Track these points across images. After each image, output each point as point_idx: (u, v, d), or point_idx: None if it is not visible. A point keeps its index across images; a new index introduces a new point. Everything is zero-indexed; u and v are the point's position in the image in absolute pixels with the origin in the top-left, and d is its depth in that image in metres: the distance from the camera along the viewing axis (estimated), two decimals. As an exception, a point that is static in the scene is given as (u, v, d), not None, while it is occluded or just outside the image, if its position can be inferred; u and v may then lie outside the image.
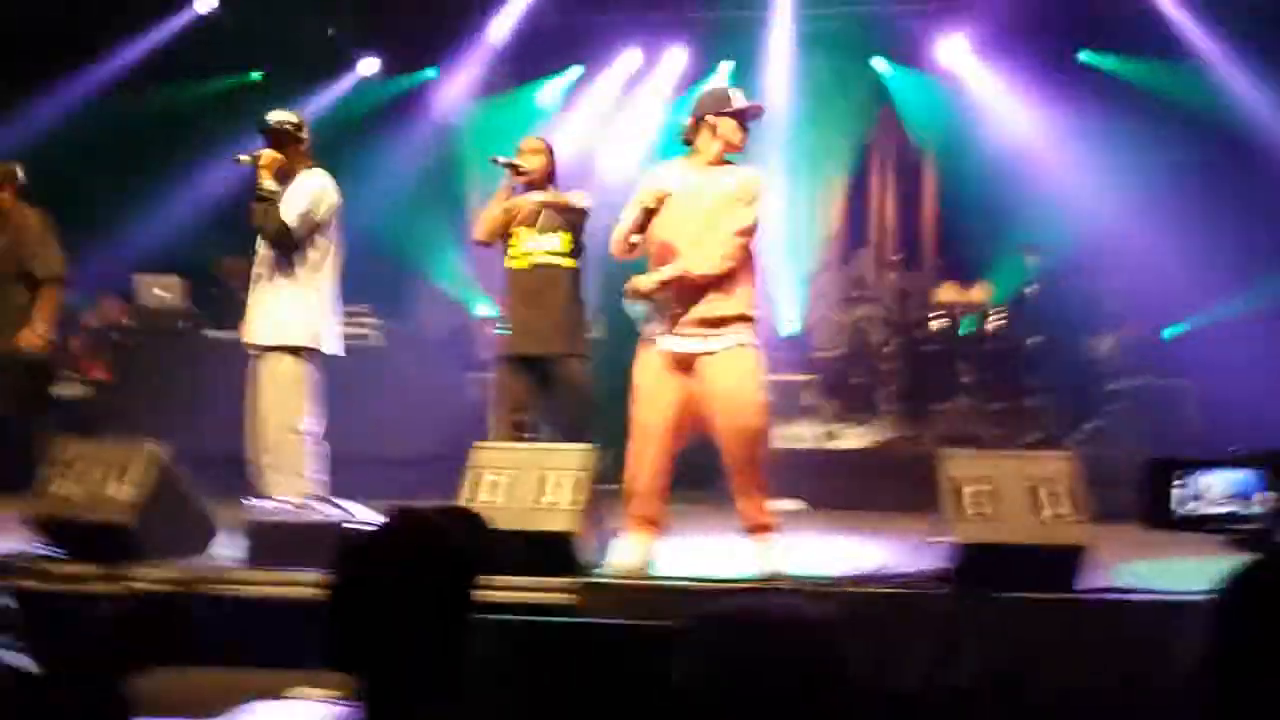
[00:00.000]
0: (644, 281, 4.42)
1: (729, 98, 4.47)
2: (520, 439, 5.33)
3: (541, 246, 5.33)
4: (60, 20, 8.70)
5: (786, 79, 9.49)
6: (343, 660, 1.79)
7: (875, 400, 8.17)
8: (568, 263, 5.36)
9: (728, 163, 4.51)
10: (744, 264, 4.44)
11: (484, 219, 5.43)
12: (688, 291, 4.38)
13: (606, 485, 4.72)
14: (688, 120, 4.50)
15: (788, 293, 9.41)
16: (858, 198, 9.86)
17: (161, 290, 8.04)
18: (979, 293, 8.27)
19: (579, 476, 4.46)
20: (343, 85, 9.85)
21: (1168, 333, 8.20)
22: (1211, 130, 8.24)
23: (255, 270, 5.27)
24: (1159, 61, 8.61)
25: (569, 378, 5.39)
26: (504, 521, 4.34)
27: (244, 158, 5.21)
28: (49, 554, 4.53)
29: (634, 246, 4.48)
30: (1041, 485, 4.12)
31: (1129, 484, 6.76)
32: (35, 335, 5.99)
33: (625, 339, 4.83)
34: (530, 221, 5.36)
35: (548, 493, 4.44)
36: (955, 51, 9.34)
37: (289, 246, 5.11)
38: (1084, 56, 9.08)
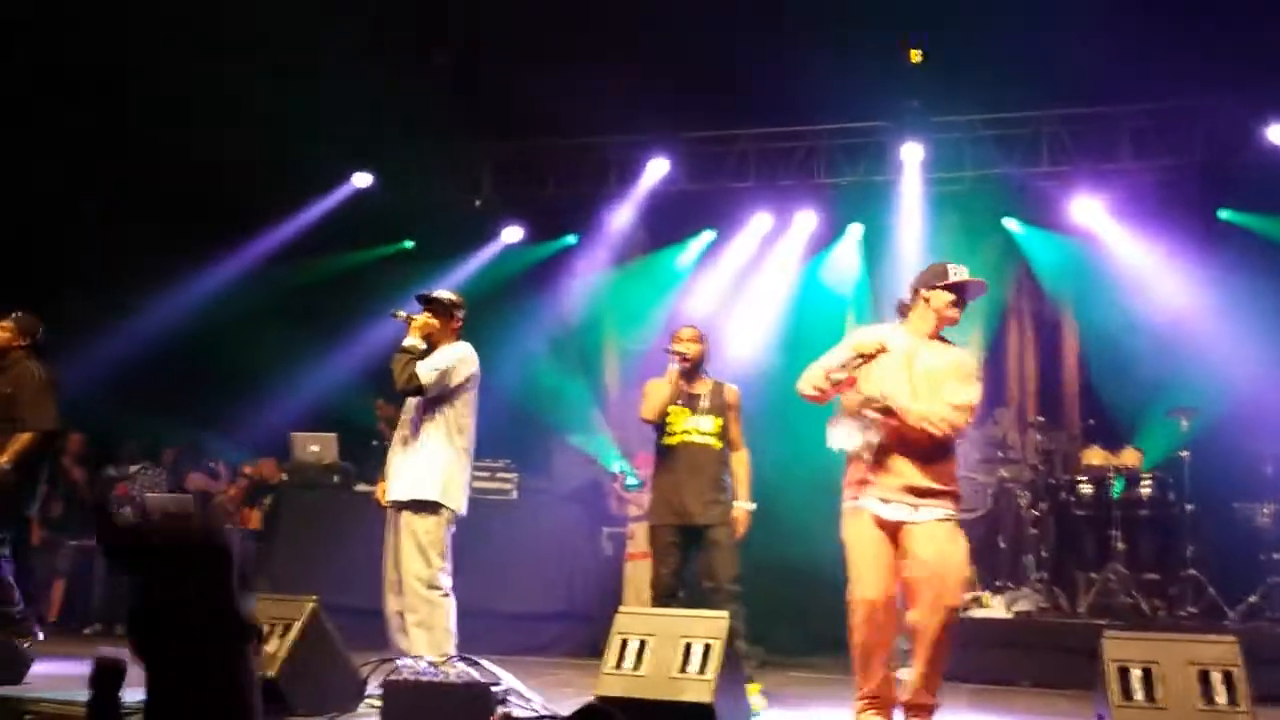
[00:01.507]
0: (856, 398, 4.42)
1: (946, 272, 4.56)
2: (673, 603, 5.54)
3: (696, 426, 5.78)
4: (232, 193, 9.42)
5: (918, 240, 9.56)
6: None
7: (1022, 566, 7.88)
8: (717, 443, 5.80)
9: (943, 339, 4.58)
10: (952, 439, 4.48)
11: (654, 403, 5.79)
12: (896, 456, 4.38)
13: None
14: (908, 292, 4.64)
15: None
16: (996, 357, 9.73)
17: (315, 446, 8.41)
18: (1129, 457, 8.01)
19: (716, 644, 4.44)
20: (488, 252, 10.32)
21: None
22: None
23: (398, 432, 5.51)
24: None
25: (719, 543, 5.69)
26: (645, 690, 4.34)
27: (400, 314, 5.55)
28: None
29: (836, 385, 4.46)
30: (1207, 669, 3.92)
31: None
32: None
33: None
34: (689, 405, 5.81)
35: (690, 661, 4.42)
36: (1090, 211, 9.30)
37: (415, 394, 5.36)
38: (1224, 215, 8.94)
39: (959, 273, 4.52)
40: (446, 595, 5.28)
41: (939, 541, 4.33)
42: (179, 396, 9.22)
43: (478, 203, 10.21)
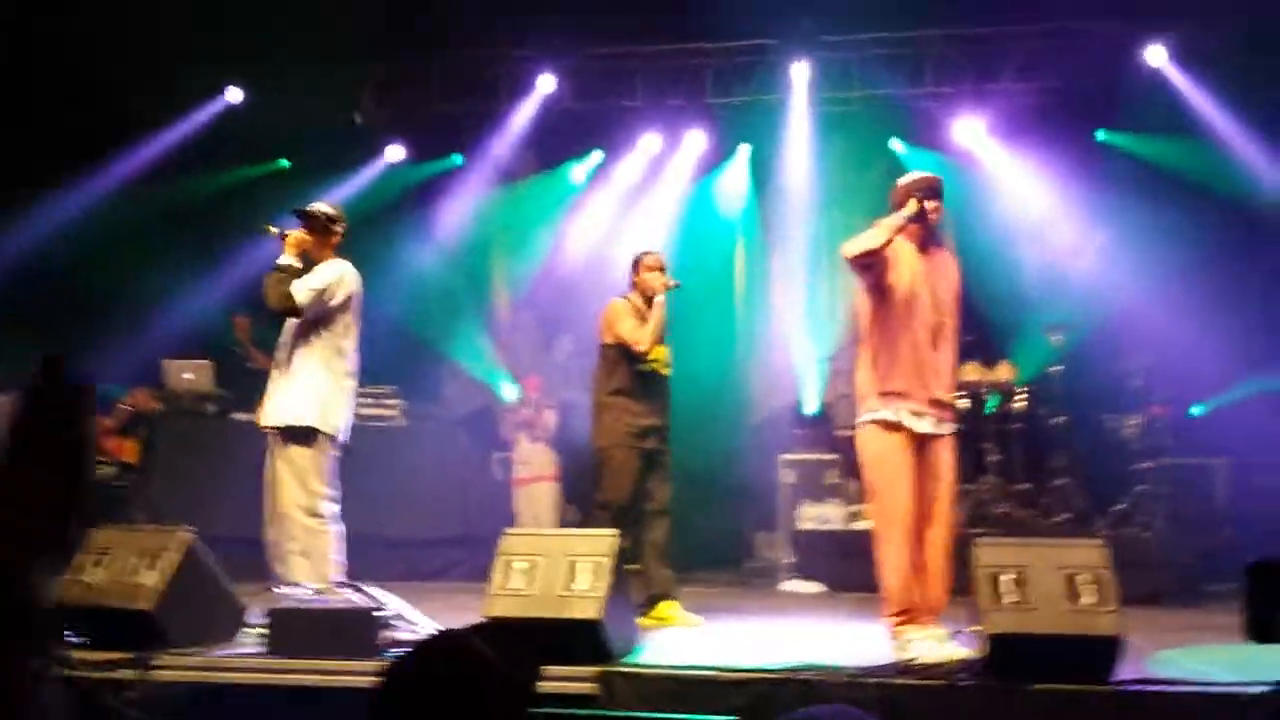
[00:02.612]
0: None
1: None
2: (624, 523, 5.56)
3: (666, 357, 5.98)
4: (94, 112, 8.92)
5: (805, 161, 9.60)
6: None
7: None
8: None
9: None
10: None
11: (653, 333, 5.85)
12: (921, 364, 4.46)
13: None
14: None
15: (809, 371, 9.42)
16: (879, 277, 9.87)
17: (189, 374, 8.13)
18: (1003, 372, 8.24)
19: (605, 562, 4.45)
20: (370, 172, 10.01)
21: (1194, 411, 8.15)
22: (1233, 208, 8.27)
23: (275, 355, 5.33)
24: (1178, 140, 8.66)
25: (666, 466, 5.92)
26: (532, 609, 4.33)
27: (273, 229, 5.33)
28: (74, 641, 4.52)
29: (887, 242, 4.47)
30: (1075, 573, 4.07)
31: (1159, 565, 6.71)
32: None
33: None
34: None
35: (576, 580, 4.42)
36: (972, 133, 9.43)
37: (291, 315, 5.18)
38: (1101, 136, 9.15)
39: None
40: (327, 522, 5.17)
41: (952, 451, 4.53)
42: (41, 320, 8.79)
43: (357, 119, 9.86)
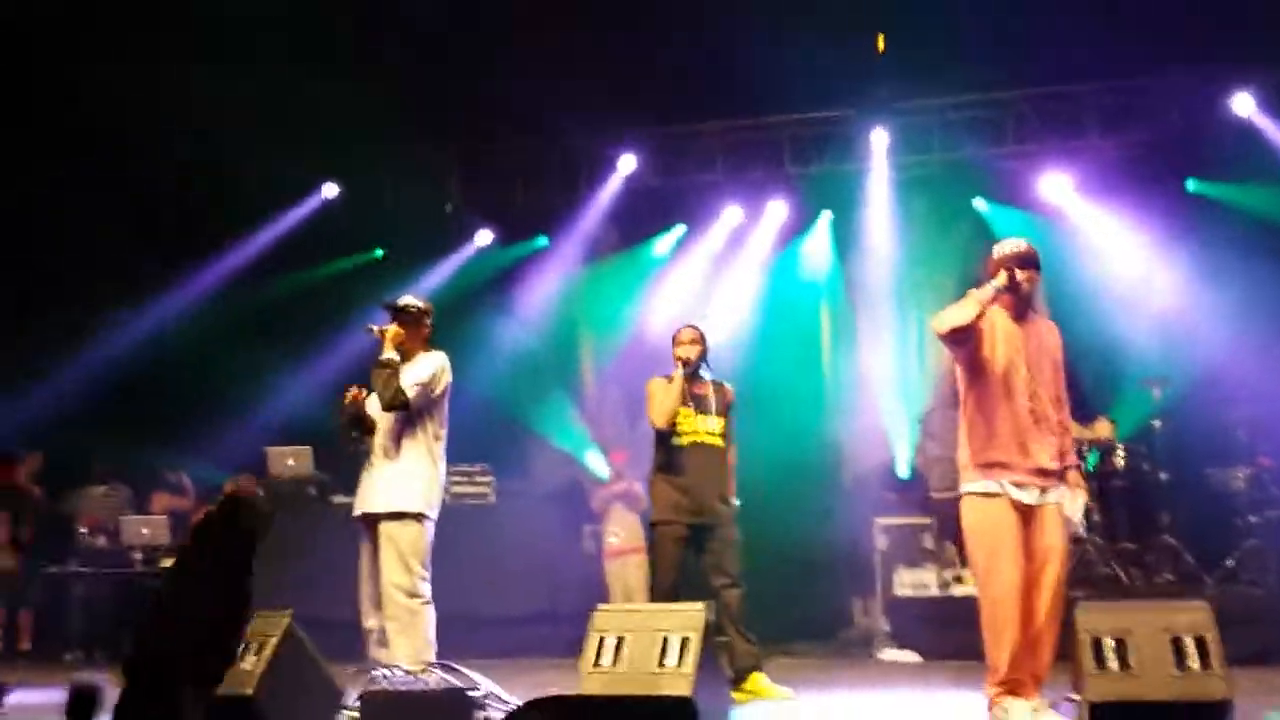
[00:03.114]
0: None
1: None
2: (675, 599, 5.57)
3: (705, 427, 5.89)
4: (198, 208, 9.36)
5: (888, 223, 9.60)
6: None
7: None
8: (722, 442, 5.95)
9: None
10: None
11: (666, 408, 5.88)
12: (1021, 435, 4.43)
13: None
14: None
15: (899, 433, 9.32)
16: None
17: (291, 460, 8.37)
18: (1102, 428, 8.04)
19: (693, 637, 4.43)
20: (460, 257, 10.29)
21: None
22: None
23: (374, 443, 5.47)
24: (1271, 187, 8.46)
25: (727, 540, 5.84)
26: (624, 686, 4.33)
27: (374, 328, 5.50)
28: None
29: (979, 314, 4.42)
30: (1180, 635, 3.93)
31: (1270, 622, 6.42)
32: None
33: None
34: (696, 406, 5.92)
35: (666, 655, 4.41)
36: (1058, 189, 9.33)
37: (402, 410, 5.32)
38: (1192, 186, 8.98)
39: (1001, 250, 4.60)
40: (426, 603, 5.25)
41: (1059, 519, 4.45)
42: (146, 416, 9.16)
43: (448, 208, 10.18)
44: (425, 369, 5.36)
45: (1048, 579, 4.37)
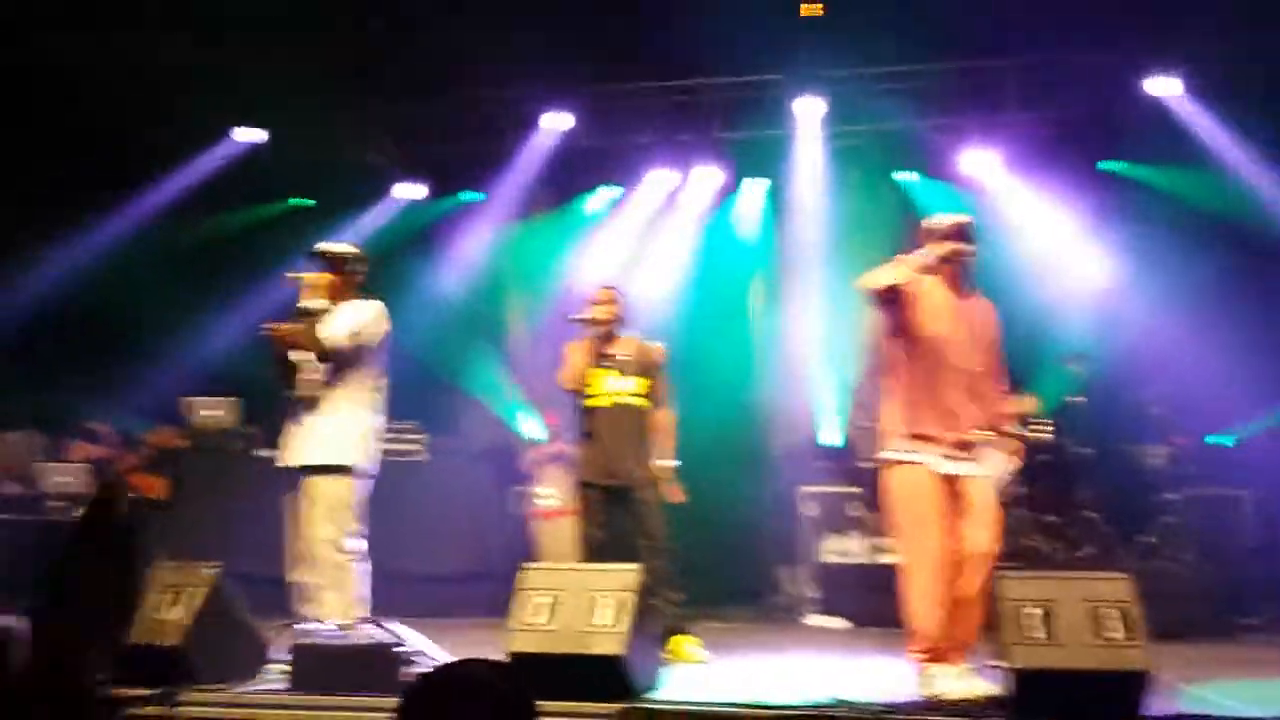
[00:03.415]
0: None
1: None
2: (601, 559, 5.55)
3: (620, 388, 5.84)
4: (111, 150, 9.04)
5: (818, 191, 9.63)
6: None
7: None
8: (643, 403, 5.88)
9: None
10: None
11: (573, 370, 5.85)
12: (950, 407, 4.44)
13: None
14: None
15: (829, 404, 9.41)
16: (895, 308, 9.86)
17: (212, 411, 8.17)
18: (1024, 403, 8.20)
19: (628, 597, 4.43)
20: (386, 210, 10.10)
21: (1214, 439, 8.09)
22: (1250, 235, 8.24)
23: (297, 394, 5.32)
24: (1189, 169, 8.65)
25: (648, 502, 5.79)
26: (553, 645, 4.33)
27: (292, 275, 5.30)
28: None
29: (897, 287, 4.43)
30: (1101, 606, 4.04)
31: (1188, 598, 6.65)
32: None
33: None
34: (608, 364, 5.85)
35: (596, 615, 4.41)
36: (978, 163, 9.43)
37: (325, 359, 5.18)
38: (1104, 165, 9.14)
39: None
40: (355, 559, 5.16)
41: (989, 490, 4.50)
42: (63, 361, 8.88)
43: (370, 158, 9.97)
44: (357, 318, 5.19)
45: (975, 546, 4.43)
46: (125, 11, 8.08)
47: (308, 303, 5.20)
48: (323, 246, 5.42)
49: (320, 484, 5.14)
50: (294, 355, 5.23)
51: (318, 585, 5.12)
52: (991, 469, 4.58)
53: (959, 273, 4.59)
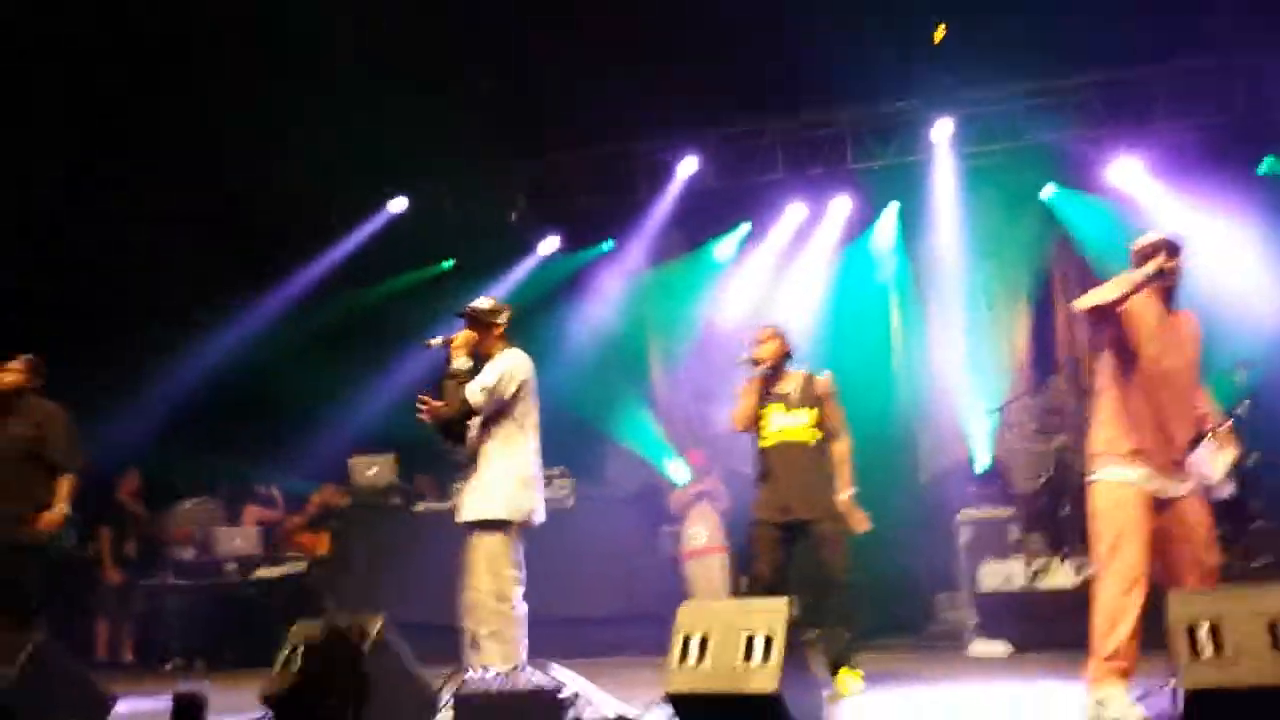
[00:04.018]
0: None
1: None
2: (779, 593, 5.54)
3: (789, 424, 5.86)
4: (272, 226, 9.59)
5: (955, 215, 9.51)
6: None
7: (1086, 531, 7.79)
8: (814, 435, 5.87)
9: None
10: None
11: (744, 410, 5.91)
12: (1163, 426, 4.41)
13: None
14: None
15: (977, 426, 9.22)
16: (1043, 325, 9.64)
17: (373, 468, 8.53)
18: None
19: (779, 632, 4.44)
20: (527, 264, 10.41)
21: None
22: None
23: (466, 452, 5.54)
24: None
25: (825, 536, 5.78)
26: (711, 684, 4.36)
27: (433, 342, 5.49)
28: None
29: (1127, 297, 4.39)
30: (1277, 619, 3.85)
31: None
32: (56, 516, 6.07)
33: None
34: (780, 402, 5.89)
35: (752, 652, 4.43)
36: (1127, 173, 9.17)
37: (471, 416, 5.34)
38: (1264, 167, 8.78)
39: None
40: (515, 606, 5.30)
41: (1202, 509, 4.46)
42: (232, 431, 9.39)
43: (513, 217, 10.29)
44: (493, 372, 5.34)
45: (1201, 566, 4.36)
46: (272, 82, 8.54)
47: (456, 364, 5.39)
48: (465, 307, 5.61)
49: (478, 537, 5.32)
50: (457, 364, 5.39)
51: (481, 634, 5.27)
52: (1210, 470, 4.48)
53: (1169, 289, 4.52)
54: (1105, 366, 4.54)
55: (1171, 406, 4.42)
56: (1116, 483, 4.38)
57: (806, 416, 5.85)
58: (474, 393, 5.30)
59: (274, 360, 9.44)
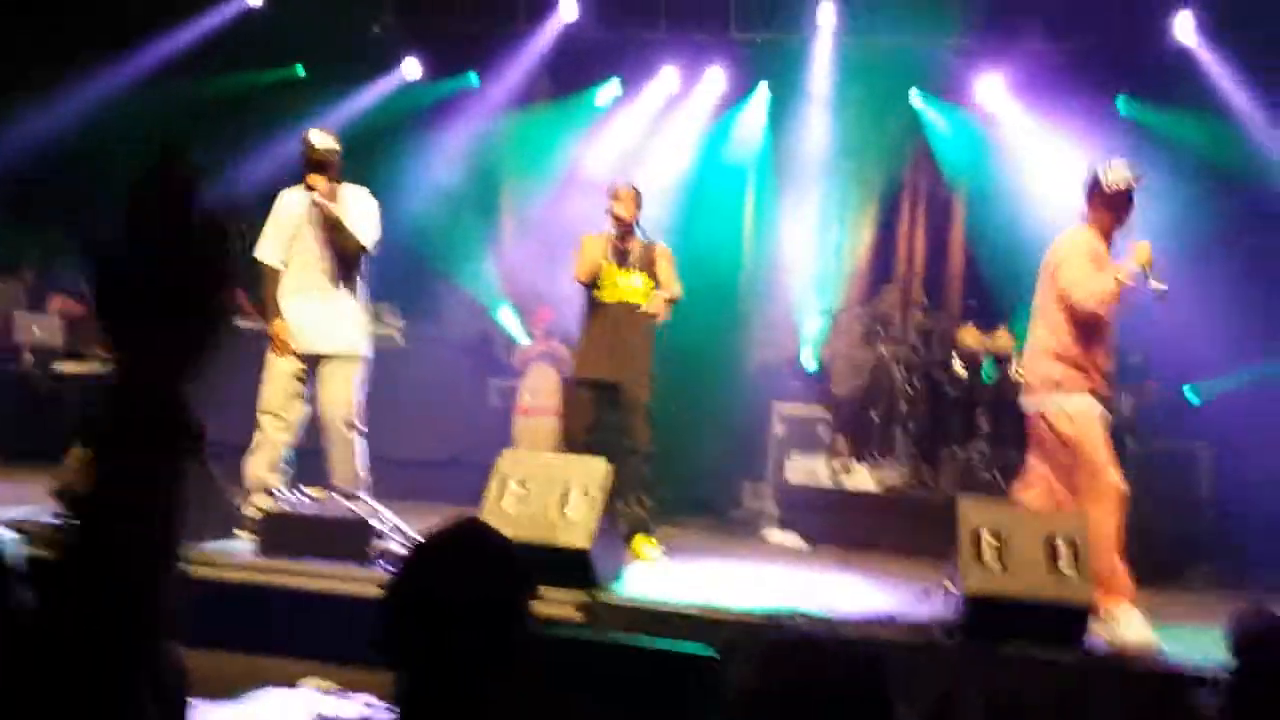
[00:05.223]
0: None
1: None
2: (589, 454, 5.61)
3: (630, 284, 5.95)
4: (107, 7, 8.82)
5: (825, 106, 9.52)
6: (395, 656, 1.81)
7: (891, 440, 8.18)
8: (646, 300, 5.97)
9: None
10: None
11: (588, 263, 5.91)
12: (1108, 352, 4.73)
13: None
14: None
15: (811, 324, 9.44)
16: (887, 233, 9.84)
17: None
18: (1002, 339, 8.26)
19: (597, 493, 4.51)
20: (385, 85, 9.91)
21: (1190, 392, 8.17)
22: (1248, 189, 8.24)
23: (299, 278, 5.44)
24: (1196, 115, 8.58)
25: (638, 401, 5.90)
26: (524, 531, 4.41)
27: (316, 201, 5.50)
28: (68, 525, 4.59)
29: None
30: (1056, 540, 4.15)
31: (1142, 545, 6.79)
32: None
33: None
34: (621, 262, 5.94)
35: (568, 506, 4.49)
36: (992, 89, 9.33)
37: (360, 262, 5.55)
38: (1121, 105, 9.08)
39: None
40: (363, 434, 5.55)
41: None
42: (47, 213, 8.76)
43: (376, 29, 9.74)
44: (370, 220, 5.51)
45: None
46: None
47: (336, 210, 5.45)
48: (316, 145, 5.53)
49: (341, 366, 5.48)
50: (337, 212, 5.47)
51: (332, 455, 5.43)
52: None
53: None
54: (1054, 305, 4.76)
55: (1105, 337, 4.76)
56: (1090, 412, 4.62)
57: (642, 281, 5.94)
58: (369, 241, 5.49)
59: (101, 143, 8.74)
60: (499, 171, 10.08)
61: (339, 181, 5.58)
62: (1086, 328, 4.67)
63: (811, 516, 7.49)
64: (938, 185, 9.86)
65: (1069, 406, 4.66)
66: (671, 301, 6.00)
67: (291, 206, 5.56)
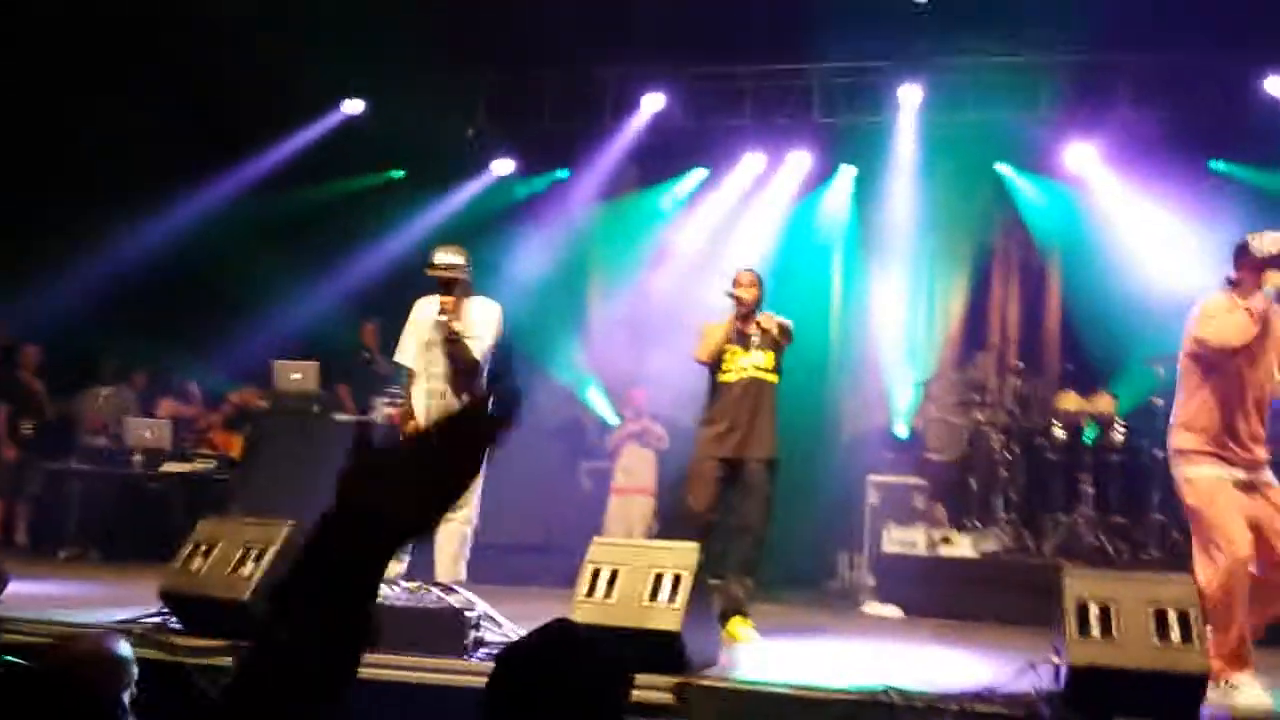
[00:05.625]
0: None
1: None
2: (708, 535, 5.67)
3: (754, 362, 6.00)
4: (225, 115, 9.31)
5: (910, 182, 9.53)
6: None
7: (991, 507, 8.00)
8: (772, 378, 6.00)
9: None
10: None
11: (710, 343, 6.01)
12: (1245, 417, 4.55)
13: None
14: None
15: (902, 394, 9.35)
16: (979, 301, 9.76)
17: (297, 374, 8.42)
18: (1103, 403, 8.07)
19: (686, 575, 4.50)
20: (479, 183, 10.25)
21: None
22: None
23: (428, 383, 5.73)
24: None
25: (761, 483, 5.92)
26: (614, 618, 4.41)
27: (442, 320, 5.64)
28: (173, 625, 4.74)
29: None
30: (1165, 609, 4.00)
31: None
32: None
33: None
34: (744, 345, 6.01)
35: (658, 591, 4.49)
36: (1082, 159, 9.26)
37: (478, 370, 5.71)
38: (1215, 166, 8.92)
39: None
40: (468, 524, 5.66)
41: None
42: (159, 320, 9.18)
43: (470, 133, 10.11)
44: (489, 331, 5.68)
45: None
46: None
47: (458, 328, 5.60)
48: (439, 263, 5.65)
49: None
50: (459, 328, 5.65)
51: (439, 547, 5.51)
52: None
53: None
54: (1200, 365, 4.62)
55: (1252, 404, 4.57)
56: (1210, 479, 4.50)
57: (765, 358, 6.00)
58: (480, 351, 5.63)
59: (209, 252, 9.19)
60: (588, 260, 10.32)
61: (468, 295, 5.70)
62: (1220, 391, 4.54)
63: (909, 587, 7.35)
64: (1030, 253, 9.77)
65: (1191, 474, 4.56)
66: (784, 328, 6.02)
67: (426, 314, 5.78)
